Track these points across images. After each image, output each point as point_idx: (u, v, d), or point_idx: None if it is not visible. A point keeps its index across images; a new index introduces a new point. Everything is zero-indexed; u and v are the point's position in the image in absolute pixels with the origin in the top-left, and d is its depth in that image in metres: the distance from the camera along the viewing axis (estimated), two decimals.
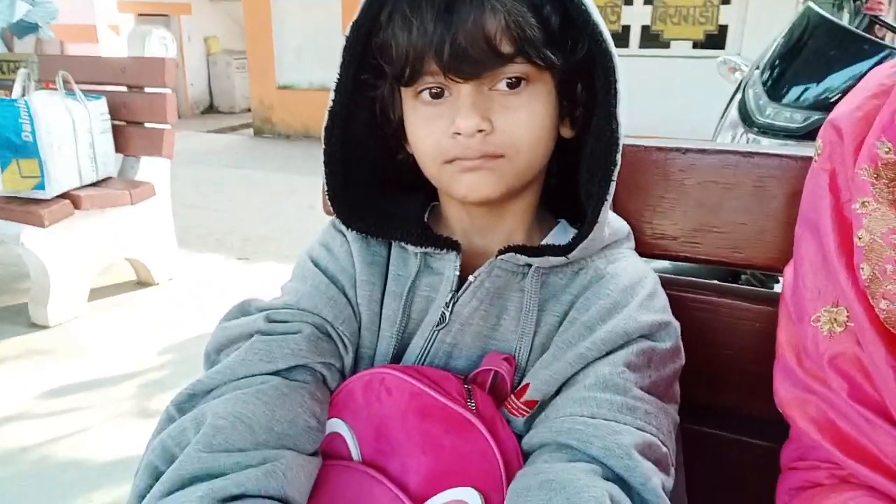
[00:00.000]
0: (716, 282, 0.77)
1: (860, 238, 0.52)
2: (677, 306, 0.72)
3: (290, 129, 7.85)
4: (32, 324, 2.58)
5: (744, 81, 1.67)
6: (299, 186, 5.18)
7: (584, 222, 0.61)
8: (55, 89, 2.50)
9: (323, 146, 0.64)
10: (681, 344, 0.63)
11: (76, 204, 2.45)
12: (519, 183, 0.61)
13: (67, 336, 2.51)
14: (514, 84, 0.57)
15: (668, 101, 6.11)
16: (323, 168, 0.64)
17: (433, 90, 0.58)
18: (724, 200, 0.72)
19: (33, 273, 2.57)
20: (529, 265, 0.62)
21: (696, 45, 6.41)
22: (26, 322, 2.59)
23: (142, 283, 3.02)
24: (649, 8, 6.48)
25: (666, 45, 6.50)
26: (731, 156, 0.71)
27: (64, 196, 2.44)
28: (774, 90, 1.56)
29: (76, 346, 2.44)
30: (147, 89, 2.72)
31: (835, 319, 0.55)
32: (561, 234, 0.67)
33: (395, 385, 0.58)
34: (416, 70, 0.56)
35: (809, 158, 0.69)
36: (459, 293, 0.62)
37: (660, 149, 0.74)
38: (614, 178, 0.58)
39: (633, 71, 6.43)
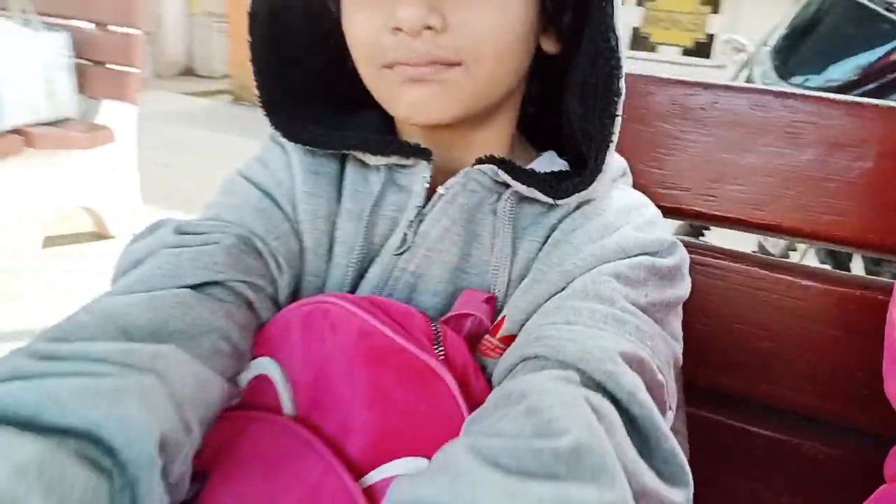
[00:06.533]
0: (726, 247, 0.67)
1: None
2: None
3: None
4: None
5: (750, 59, 1.57)
6: None
7: (575, 161, 0.49)
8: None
9: (249, 50, 0.52)
10: (687, 272, 0.51)
11: (29, 141, 2.28)
12: (478, 105, 0.49)
13: (9, 283, 2.34)
14: None
15: None
16: (253, 72, 0.52)
17: None
18: (749, 147, 0.61)
19: None
20: (507, 185, 0.50)
21: (686, 53, 6.37)
22: None
23: (98, 235, 2.84)
24: (640, 10, 6.43)
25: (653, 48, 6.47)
26: (763, 95, 0.61)
27: (16, 132, 2.27)
28: (784, 68, 1.46)
29: (16, 294, 2.27)
30: (114, 28, 2.54)
31: None
32: (547, 164, 0.55)
33: (342, 320, 0.45)
34: None
35: (851, 104, 0.59)
36: (426, 210, 0.50)
37: (667, 80, 0.64)
38: (618, 112, 0.46)
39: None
